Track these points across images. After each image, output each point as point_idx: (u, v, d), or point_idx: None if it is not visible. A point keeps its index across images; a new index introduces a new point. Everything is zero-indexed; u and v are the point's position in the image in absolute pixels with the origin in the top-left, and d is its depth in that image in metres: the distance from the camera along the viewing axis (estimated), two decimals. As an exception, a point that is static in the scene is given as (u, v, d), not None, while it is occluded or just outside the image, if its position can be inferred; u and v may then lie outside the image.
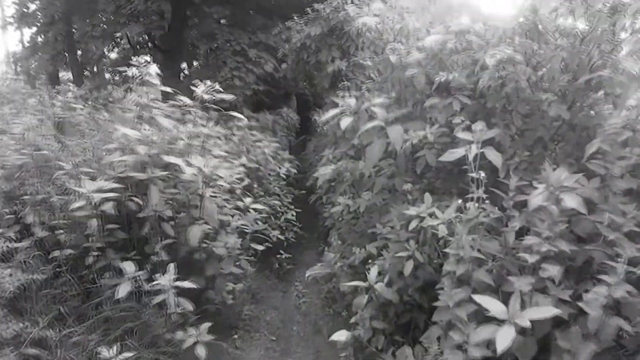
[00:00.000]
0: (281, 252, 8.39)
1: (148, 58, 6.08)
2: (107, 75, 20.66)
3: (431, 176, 5.83)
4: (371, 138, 6.02)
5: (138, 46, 19.48)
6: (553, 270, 3.59)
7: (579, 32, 5.08)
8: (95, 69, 21.27)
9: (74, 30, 17.87)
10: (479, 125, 4.79)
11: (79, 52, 19.33)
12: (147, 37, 18.34)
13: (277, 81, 15.60)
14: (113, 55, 20.64)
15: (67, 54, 19.02)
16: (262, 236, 7.34)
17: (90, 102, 10.81)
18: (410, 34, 7.03)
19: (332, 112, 6.02)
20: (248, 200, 6.94)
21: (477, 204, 4.14)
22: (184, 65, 19.43)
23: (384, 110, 5.72)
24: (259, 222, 7.16)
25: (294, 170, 10.16)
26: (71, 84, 10.76)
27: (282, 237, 8.30)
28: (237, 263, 6.38)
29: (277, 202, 8.46)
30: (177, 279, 4.99)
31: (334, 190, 7.88)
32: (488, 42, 5.50)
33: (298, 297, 7.75)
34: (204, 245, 6.01)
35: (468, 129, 4.90)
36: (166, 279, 4.80)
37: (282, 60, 12.80)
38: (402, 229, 5.07)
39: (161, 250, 5.45)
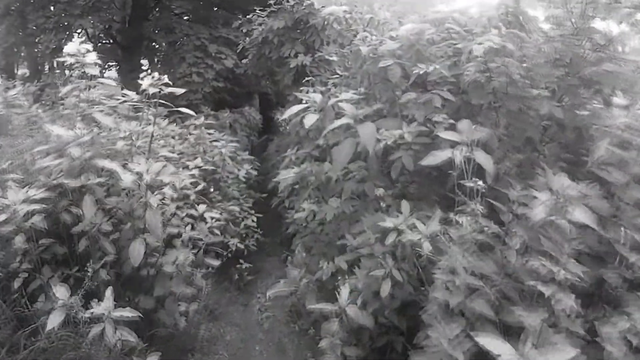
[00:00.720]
0: (241, 261, 7.55)
1: (89, 47, 5.15)
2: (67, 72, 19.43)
3: (405, 180, 5.12)
4: (339, 138, 5.32)
5: (98, 42, 18.44)
6: (568, 301, 2.90)
7: (573, 23, 4.46)
8: (54, 64, 20.06)
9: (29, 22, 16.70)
10: (464, 124, 4.11)
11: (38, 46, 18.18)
12: (107, 33, 17.30)
13: (239, 79, 14.76)
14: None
15: (24, 48, 17.84)
16: (218, 250, 6.45)
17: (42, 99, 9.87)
18: (380, 25, 6.33)
19: (295, 108, 5.26)
20: (202, 207, 6.07)
21: (470, 218, 3.40)
22: (146, 61, 18.45)
23: (353, 106, 5.00)
24: (216, 231, 6.32)
25: (255, 173, 9.30)
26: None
27: (241, 246, 7.46)
28: (192, 278, 5.53)
29: (235, 207, 7.61)
30: (123, 302, 4.16)
31: (297, 193, 7.12)
32: (471, 32, 4.83)
33: (260, 311, 6.93)
34: (152, 259, 5.17)
35: (451, 128, 4.22)
36: (103, 308, 3.94)
37: (243, 56, 11.93)
38: (377, 243, 4.33)
39: (101, 269, 4.61)
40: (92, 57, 4.95)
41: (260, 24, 10.66)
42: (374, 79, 5.32)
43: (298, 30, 10.24)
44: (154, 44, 15.89)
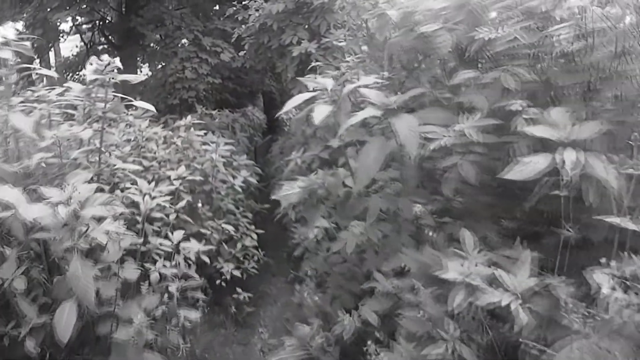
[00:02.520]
0: (238, 290, 5.97)
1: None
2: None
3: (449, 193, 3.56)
4: (360, 136, 3.79)
5: (92, 43, 17.07)
6: None
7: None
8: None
9: (5, 19, 15.24)
10: (559, 114, 2.57)
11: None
12: (101, 32, 15.86)
13: (242, 79, 13.35)
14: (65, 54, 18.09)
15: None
16: (199, 296, 4.78)
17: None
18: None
19: (299, 98, 3.66)
20: (178, 234, 4.45)
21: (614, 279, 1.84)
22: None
23: (381, 93, 3.43)
24: (204, 258, 4.77)
25: (254, 181, 7.69)
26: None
27: (238, 272, 5.89)
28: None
29: (229, 226, 6.01)
30: None
31: (304, 203, 5.59)
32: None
33: (263, 352, 5.36)
34: (109, 308, 3.63)
35: (533, 120, 2.68)
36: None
37: (241, 48, 10.33)
38: (429, 298, 2.76)
39: (28, 337, 3.08)
40: (7, 31, 3.34)
41: (257, 9, 9.05)
42: (407, 55, 3.75)
43: (300, 15, 8.67)
44: (146, 41, 14.43)
